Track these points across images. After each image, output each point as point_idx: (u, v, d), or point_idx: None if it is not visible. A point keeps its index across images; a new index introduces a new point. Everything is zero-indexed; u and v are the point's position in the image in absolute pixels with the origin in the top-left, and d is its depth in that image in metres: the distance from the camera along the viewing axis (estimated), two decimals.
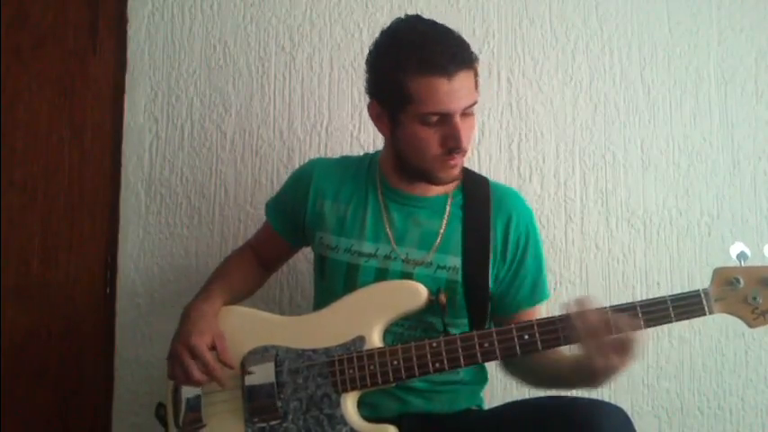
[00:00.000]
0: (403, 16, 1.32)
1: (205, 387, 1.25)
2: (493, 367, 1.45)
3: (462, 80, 1.22)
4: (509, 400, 1.42)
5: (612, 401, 1.18)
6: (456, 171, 1.29)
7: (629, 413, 1.14)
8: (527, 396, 1.60)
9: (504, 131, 1.77)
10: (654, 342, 1.72)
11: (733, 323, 1.70)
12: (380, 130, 1.34)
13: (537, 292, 1.36)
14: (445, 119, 1.22)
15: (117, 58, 1.82)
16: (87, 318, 1.76)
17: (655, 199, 1.76)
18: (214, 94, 1.81)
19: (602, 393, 1.69)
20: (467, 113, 1.25)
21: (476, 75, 1.26)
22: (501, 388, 1.61)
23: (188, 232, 1.78)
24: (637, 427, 1.13)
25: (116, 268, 1.78)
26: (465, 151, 1.27)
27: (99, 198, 1.79)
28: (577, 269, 1.74)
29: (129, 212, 1.79)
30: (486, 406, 1.41)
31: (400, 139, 1.28)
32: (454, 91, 1.20)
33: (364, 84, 1.34)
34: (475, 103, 1.26)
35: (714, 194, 1.76)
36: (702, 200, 1.76)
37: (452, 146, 1.23)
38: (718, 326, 1.72)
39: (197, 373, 1.22)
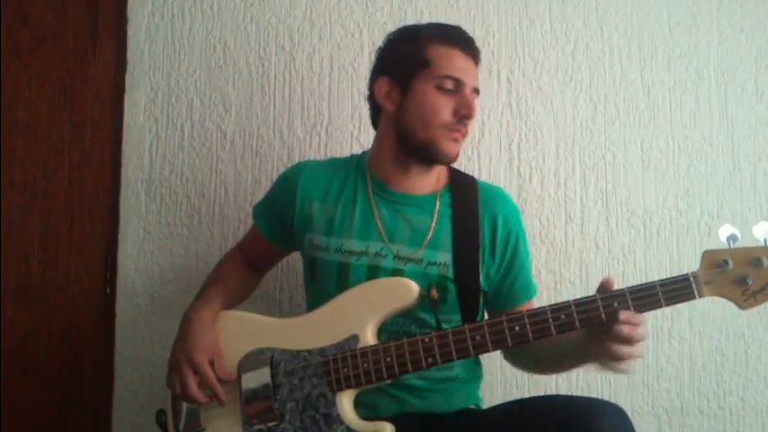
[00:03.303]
0: (405, 18, 1.38)
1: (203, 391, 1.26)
2: (491, 367, 1.45)
3: (473, 65, 1.35)
4: (509, 399, 1.42)
5: (612, 401, 1.18)
6: (457, 148, 1.32)
7: (629, 413, 1.14)
8: (526, 396, 1.61)
9: (504, 131, 1.78)
10: (654, 342, 1.72)
11: (733, 323, 1.72)
12: (388, 107, 1.36)
13: (530, 289, 1.39)
14: (458, 88, 1.30)
15: (117, 58, 1.82)
16: (87, 318, 1.76)
17: (655, 199, 1.76)
18: (214, 94, 1.81)
19: (601, 393, 1.69)
20: (473, 97, 1.33)
21: (478, 73, 1.37)
22: (501, 387, 1.62)
23: (188, 232, 1.78)
24: (637, 427, 1.13)
25: (116, 268, 1.78)
26: (468, 131, 1.32)
27: (99, 198, 1.79)
28: (577, 269, 1.74)
29: (129, 212, 1.79)
30: (485, 405, 1.41)
31: (410, 108, 1.32)
32: (468, 66, 1.33)
33: (370, 69, 1.41)
34: (479, 91, 1.35)
35: (714, 194, 1.76)
36: (702, 200, 1.76)
37: (464, 113, 1.29)
38: (718, 326, 1.72)
39: (195, 391, 1.23)
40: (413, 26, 1.39)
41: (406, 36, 1.37)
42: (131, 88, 1.82)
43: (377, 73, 1.38)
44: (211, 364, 1.25)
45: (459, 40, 1.33)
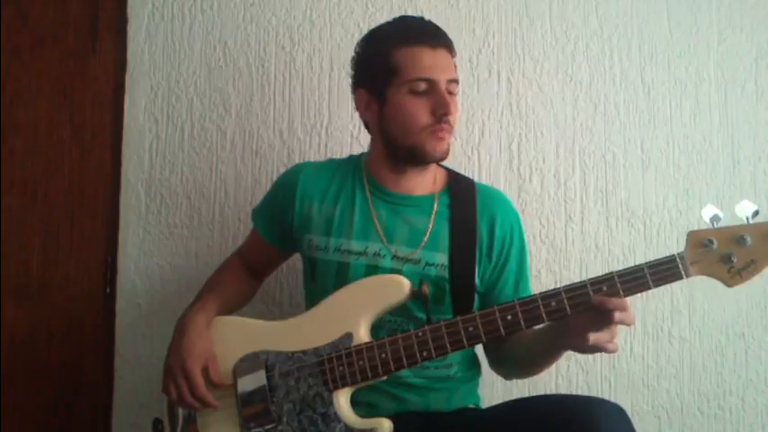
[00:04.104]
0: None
1: None
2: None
3: (444, 55, 1.30)
4: (509, 399, 1.42)
5: (612, 401, 1.18)
6: (444, 146, 1.31)
7: (629, 413, 1.14)
8: (526, 395, 1.61)
9: (504, 131, 1.77)
10: (654, 342, 1.72)
11: (733, 323, 1.72)
12: (369, 119, 1.37)
13: (520, 291, 1.38)
14: (432, 88, 1.27)
15: (117, 58, 1.82)
16: (87, 318, 1.76)
17: (655, 199, 1.76)
18: (214, 94, 1.81)
19: (601, 393, 1.70)
20: (451, 91, 1.30)
21: (454, 61, 1.33)
22: (501, 387, 1.62)
23: (188, 232, 1.78)
24: (637, 427, 1.13)
25: (116, 268, 1.78)
26: (452, 126, 1.30)
27: (99, 198, 1.79)
28: (577, 269, 1.74)
29: (129, 212, 1.79)
30: (485, 405, 1.41)
31: (389, 118, 1.31)
32: (438, 60, 1.28)
33: (350, 84, 1.39)
34: (457, 81, 1.32)
35: (714, 194, 1.76)
36: (702, 200, 1.76)
37: (441, 113, 1.27)
38: (718, 326, 1.72)
39: (189, 399, 1.23)
40: (378, 31, 1.37)
41: (371, 44, 1.35)
42: (131, 88, 1.82)
43: (354, 85, 1.39)
44: (206, 369, 1.25)
45: (422, 35, 1.29)
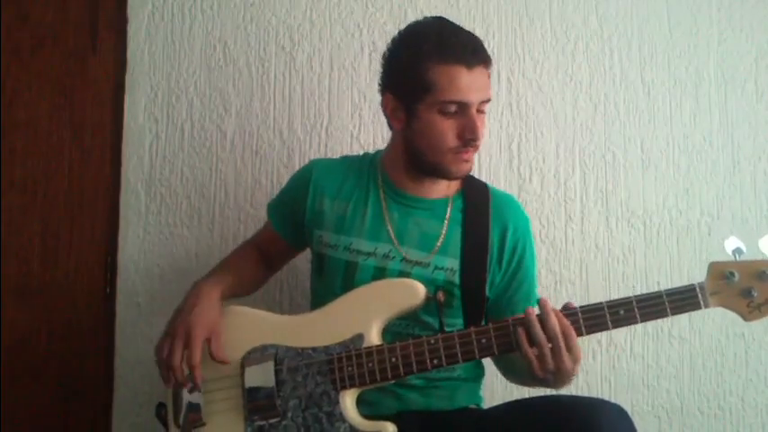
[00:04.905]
0: (405, 17, 1.34)
1: (205, 386, 1.26)
2: (492, 367, 1.45)
3: (480, 74, 1.25)
4: (509, 399, 1.42)
5: (613, 401, 1.18)
6: (468, 166, 1.30)
7: (629, 413, 1.14)
8: (527, 396, 1.61)
9: (504, 131, 1.78)
10: (654, 342, 1.72)
11: (732, 323, 1.72)
12: (394, 125, 1.34)
13: (531, 299, 1.37)
14: (463, 110, 1.24)
15: (117, 58, 1.82)
16: (87, 318, 1.76)
17: (655, 199, 1.76)
18: (214, 94, 1.81)
19: (601, 393, 1.70)
20: (480, 110, 1.27)
21: (489, 76, 1.29)
22: (501, 387, 1.61)
23: (188, 232, 1.78)
24: (637, 427, 1.13)
25: (116, 268, 1.78)
26: (478, 147, 1.28)
27: (99, 198, 1.79)
28: (577, 269, 1.74)
29: (129, 212, 1.79)
30: (486, 405, 1.41)
31: (416, 131, 1.28)
32: (473, 82, 1.24)
33: (378, 80, 1.36)
34: (489, 100, 1.28)
35: (714, 194, 1.76)
36: (702, 200, 1.76)
37: (469, 137, 1.25)
38: (718, 326, 1.72)
39: (178, 362, 1.21)
40: (415, 35, 1.28)
41: (407, 50, 1.27)
42: (131, 88, 1.82)
43: (383, 86, 1.34)
44: (208, 342, 1.24)
45: (462, 52, 1.23)
